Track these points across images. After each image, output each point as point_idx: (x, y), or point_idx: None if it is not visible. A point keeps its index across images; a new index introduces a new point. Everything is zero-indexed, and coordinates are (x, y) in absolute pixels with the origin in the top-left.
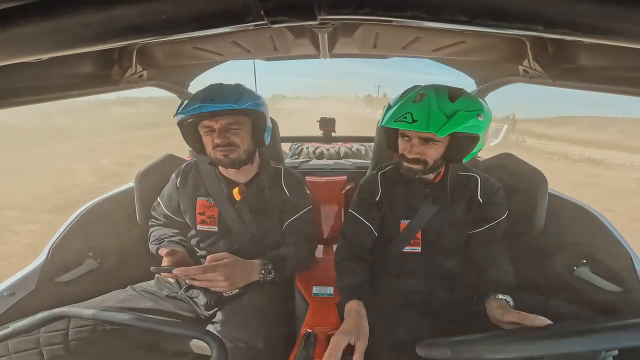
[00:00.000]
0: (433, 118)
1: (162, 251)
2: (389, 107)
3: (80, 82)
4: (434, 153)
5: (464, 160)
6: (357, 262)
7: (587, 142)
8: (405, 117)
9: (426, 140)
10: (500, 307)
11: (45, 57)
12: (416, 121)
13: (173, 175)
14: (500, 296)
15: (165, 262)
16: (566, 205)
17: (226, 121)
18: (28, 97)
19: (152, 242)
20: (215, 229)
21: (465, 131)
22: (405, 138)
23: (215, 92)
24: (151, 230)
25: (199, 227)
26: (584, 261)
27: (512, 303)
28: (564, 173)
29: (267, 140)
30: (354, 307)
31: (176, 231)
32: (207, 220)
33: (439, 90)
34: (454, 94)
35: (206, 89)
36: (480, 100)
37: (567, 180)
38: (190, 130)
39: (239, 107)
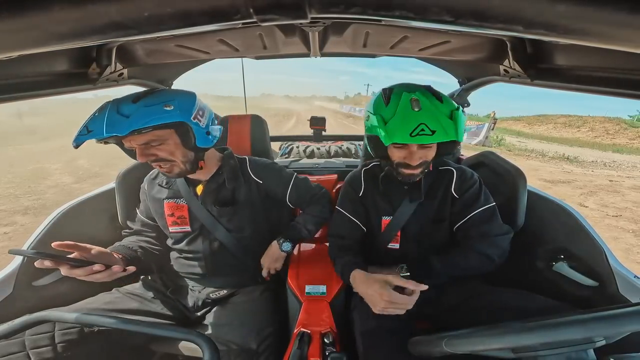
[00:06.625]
0: (444, 124)
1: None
2: (382, 119)
3: (55, 81)
4: (433, 153)
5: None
6: (349, 251)
7: (562, 139)
8: (423, 130)
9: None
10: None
11: (15, 54)
12: (435, 131)
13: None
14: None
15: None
16: (544, 202)
17: (142, 139)
18: None
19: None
20: (188, 228)
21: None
22: (400, 146)
23: (95, 120)
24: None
25: (171, 229)
26: (562, 257)
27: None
28: (540, 170)
29: (209, 142)
30: (360, 274)
31: (142, 238)
32: (178, 221)
33: (422, 91)
34: (434, 92)
35: (97, 112)
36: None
37: (544, 177)
38: (123, 147)
39: (117, 134)
